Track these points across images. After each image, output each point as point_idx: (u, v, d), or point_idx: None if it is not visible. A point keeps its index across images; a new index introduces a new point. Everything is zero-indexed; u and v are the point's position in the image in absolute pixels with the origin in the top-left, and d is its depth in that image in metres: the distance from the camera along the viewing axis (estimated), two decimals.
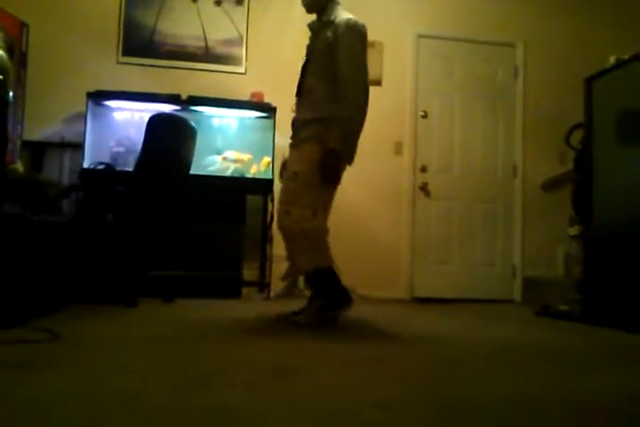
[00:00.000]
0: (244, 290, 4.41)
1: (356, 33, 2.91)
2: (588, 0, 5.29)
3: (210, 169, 4.55)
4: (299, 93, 3.05)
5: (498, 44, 5.25)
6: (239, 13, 4.96)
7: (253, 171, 4.58)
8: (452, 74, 5.14)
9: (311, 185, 2.87)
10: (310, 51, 3.06)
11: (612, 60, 3.77)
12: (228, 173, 4.55)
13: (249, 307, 3.90)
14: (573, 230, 4.10)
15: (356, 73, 2.89)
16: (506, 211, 5.15)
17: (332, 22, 2.96)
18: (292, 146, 3.07)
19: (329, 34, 2.92)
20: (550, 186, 5.11)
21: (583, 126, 4.02)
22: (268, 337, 2.61)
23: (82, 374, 1.69)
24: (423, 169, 5.00)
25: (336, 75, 2.88)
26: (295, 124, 3.07)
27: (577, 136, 4.36)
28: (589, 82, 3.89)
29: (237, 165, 4.59)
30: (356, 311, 3.50)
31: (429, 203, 4.98)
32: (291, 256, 2.97)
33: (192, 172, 4.08)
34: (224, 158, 4.60)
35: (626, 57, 3.65)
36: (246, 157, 4.61)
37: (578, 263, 3.92)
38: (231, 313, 3.45)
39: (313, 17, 3.15)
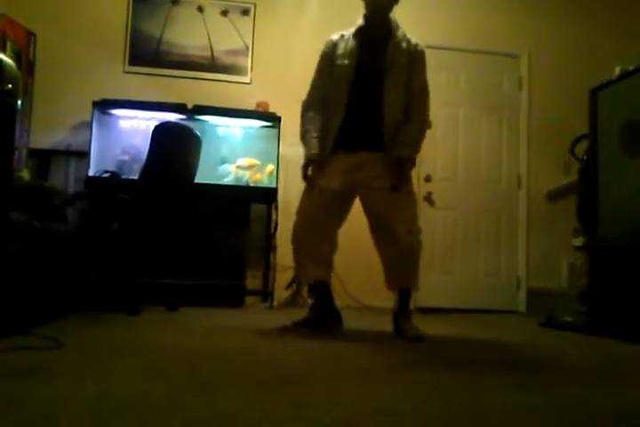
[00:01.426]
0: (247, 299, 4.41)
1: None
2: (593, 11, 5.31)
3: (226, 180, 4.59)
4: (358, 103, 2.97)
5: (502, 55, 5.27)
6: (245, 23, 5.00)
7: (257, 178, 4.59)
8: (457, 84, 5.15)
9: (415, 200, 3.08)
10: (379, 63, 2.95)
11: (617, 70, 3.77)
12: (244, 181, 4.58)
13: (252, 316, 3.90)
14: (578, 241, 4.10)
15: (428, 98, 3.09)
16: (510, 221, 5.14)
17: (404, 41, 3.00)
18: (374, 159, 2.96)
19: (406, 54, 2.98)
20: (555, 196, 5.11)
21: (588, 137, 4.02)
22: (273, 346, 2.61)
23: (85, 382, 1.68)
24: (427, 179, 5.01)
25: (410, 96, 2.99)
26: (362, 134, 2.98)
27: (582, 147, 4.36)
28: (594, 93, 3.89)
29: (252, 172, 4.60)
30: (362, 321, 3.50)
31: (434, 213, 4.97)
32: (402, 273, 3.01)
33: (204, 181, 4.13)
34: (238, 167, 4.61)
35: (631, 68, 3.65)
36: (258, 161, 4.65)
37: (582, 274, 3.91)
38: (235, 322, 3.44)
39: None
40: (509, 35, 5.25)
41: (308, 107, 3.11)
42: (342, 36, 3.09)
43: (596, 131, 3.86)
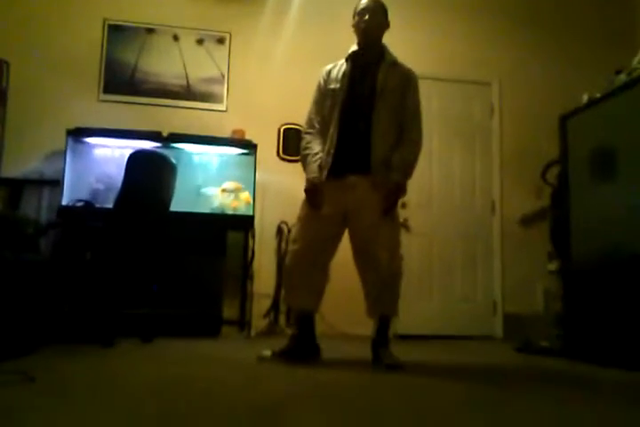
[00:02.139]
0: (224, 328, 4.35)
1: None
2: (561, 40, 5.45)
3: (213, 205, 4.56)
4: (351, 124, 3.00)
5: (474, 83, 5.36)
6: (220, 52, 5.04)
7: (235, 204, 4.58)
8: (430, 112, 5.18)
9: (399, 227, 3.10)
10: (371, 86, 3.01)
11: (585, 98, 3.86)
12: (226, 206, 4.55)
13: (229, 346, 3.85)
14: (552, 266, 4.13)
15: (421, 121, 3.10)
16: (485, 246, 5.17)
17: (396, 64, 3.09)
18: (369, 184, 2.96)
19: (398, 77, 3.05)
20: (528, 221, 5.17)
21: (559, 163, 4.08)
22: (250, 377, 2.57)
23: (56, 418, 1.64)
24: (403, 205, 5.03)
25: (403, 119, 3.03)
26: (356, 158, 2.98)
27: (553, 172, 4.44)
28: (564, 120, 3.97)
29: (237, 195, 4.59)
30: (339, 350, 3.47)
31: (410, 238, 4.98)
32: (384, 299, 3.00)
33: (180, 209, 4.10)
34: (223, 190, 4.59)
35: (598, 95, 3.74)
36: (240, 185, 4.64)
37: (557, 298, 3.94)
38: (212, 352, 3.40)
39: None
40: (480, 63, 5.35)
41: (305, 132, 3.17)
42: (336, 64, 3.17)
43: (567, 156, 3.93)
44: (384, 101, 2.99)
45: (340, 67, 3.14)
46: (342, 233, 3.08)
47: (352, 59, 3.12)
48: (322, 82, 3.16)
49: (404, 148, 3.02)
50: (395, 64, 3.09)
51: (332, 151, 2.99)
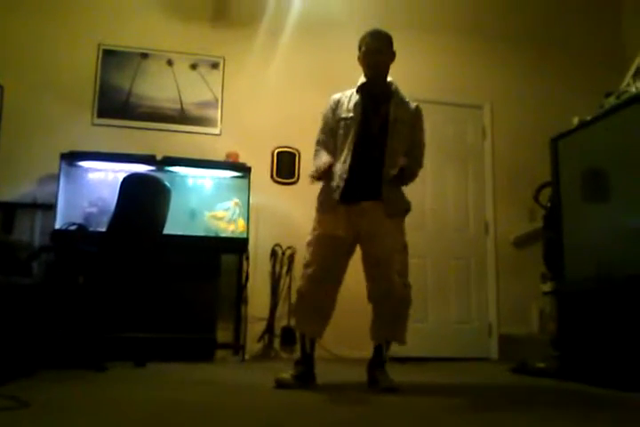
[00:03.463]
0: (218, 352, 4.30)
1: None
2: (552, 63, 5.53)
3: (209, 228, 4.56)
4: (365, 151, 3.03)
5: (466, 106, 5.42)
6: (214, 76, 5.08)
7: (231, 228, 4.58)
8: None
9: (408, 254, 3.08)
10: (383, 117, 3.07)
11: (575, 121, 3.92)
12: (223, 228, 4.56)
13: (224, 370, 3.81)
14: (546, 287, 4.13)
15: (423, 152, 3.26)
16: (479, 267, 5.18)
17: (404, 101, 3.15)
18: (384, 213, 3.02)
19: (408, 113, 3.13)
20: (522, 243, 5.18)
21: (551, 184, 4.12)
22: (245, 401, 2.55)
23: None
24: None
25: (410, 148, 3.13)
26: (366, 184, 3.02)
27: (545, 194, 4.46)
28: (555, 142, 4.01)
29: (224, 222, 4.60)
30: (335, 372, 3.45)
31: None
32: (394, 326, 3.03)
33: (174, 232, 4.09)
34: (236, 204, 4.62)
35: (588, 118, 3.79)
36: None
37: (552, 319, 3.93)
38: (206, 376, 3.36)
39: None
40: (471, 86, 5.42)
41: (316, 150, 3.19)
42: (344, 93, 3.20)
43: (559, 178, 3.96)
44: (396, 131, 3.06)
45: (350, 97, 3.16)
46: (351, 256, 3.07)
47: (362, 90, 3.15)
48: (330, 111, 3.19)
49: (412, 159, 3.09)
50: (403, 102, 3.16)
51: (344, 176, 3.01)
